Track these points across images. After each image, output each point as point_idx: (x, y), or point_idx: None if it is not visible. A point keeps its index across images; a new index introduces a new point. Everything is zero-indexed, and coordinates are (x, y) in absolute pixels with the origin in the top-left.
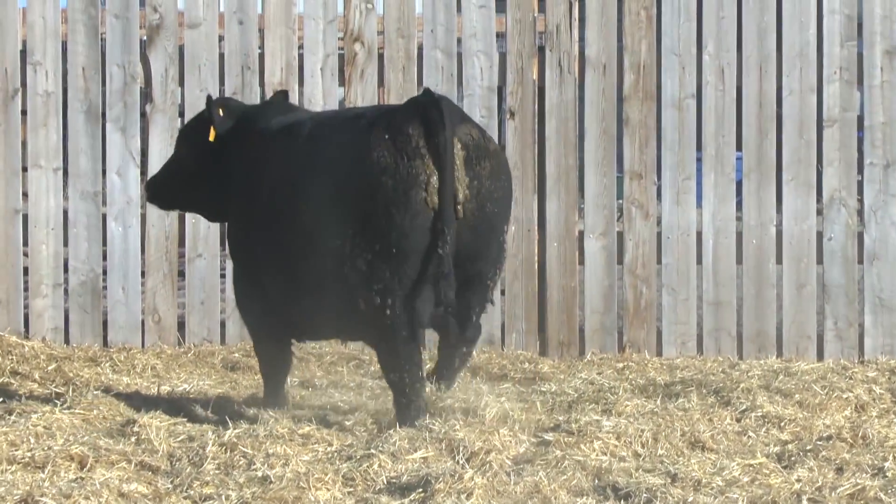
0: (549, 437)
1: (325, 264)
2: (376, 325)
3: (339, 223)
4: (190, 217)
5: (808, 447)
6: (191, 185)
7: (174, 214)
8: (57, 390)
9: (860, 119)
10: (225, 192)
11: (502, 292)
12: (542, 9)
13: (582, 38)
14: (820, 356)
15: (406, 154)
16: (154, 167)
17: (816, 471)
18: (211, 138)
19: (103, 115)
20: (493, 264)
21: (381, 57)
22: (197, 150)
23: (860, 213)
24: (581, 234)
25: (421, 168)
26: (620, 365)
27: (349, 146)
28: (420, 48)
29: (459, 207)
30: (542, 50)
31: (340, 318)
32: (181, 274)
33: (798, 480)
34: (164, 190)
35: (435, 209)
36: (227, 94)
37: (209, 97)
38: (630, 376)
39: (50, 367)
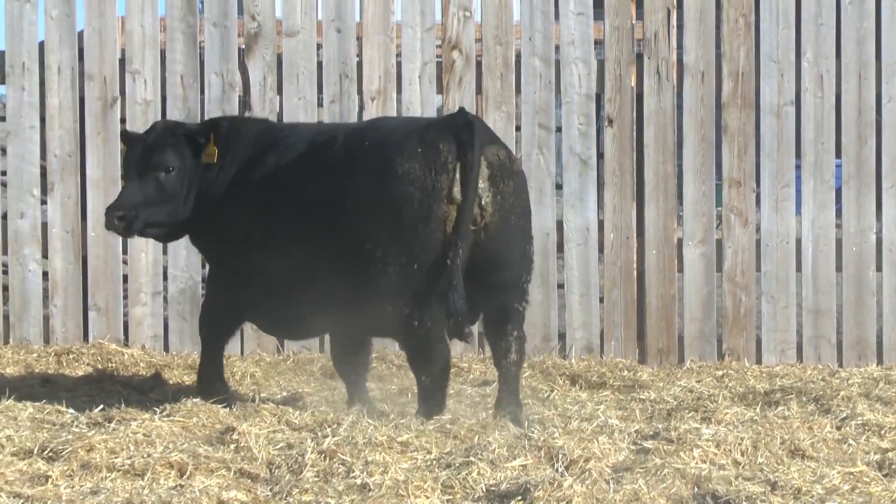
0: (648, 444)
1: (353, 268)
2: (405, 327)
3: (371, 230)
4: None
5: None
6: (174, 203)
7: None
8: (156, 398)
9: None
10: (212, 207)
11: (601, 300)
12: (640, 16)
13: (680, 46)
14: None
15: (434, 169)
16: None
17: None
18: (214, 159)
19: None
20: (523, 270)
21: (478, 64)
22: (182, 171)
23: None
24: (680, 241)
25: (446, 183)
26: (720, 373)
27: (383, 157)
28: (518, 55)
29: (480, 222)
30: (640, 57)
31: (364, 317)
32: None
33: None
34: (145, 214)
35: (453, 223)
36: (325, 103)
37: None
38: (729, 384)
39: (149, 375)
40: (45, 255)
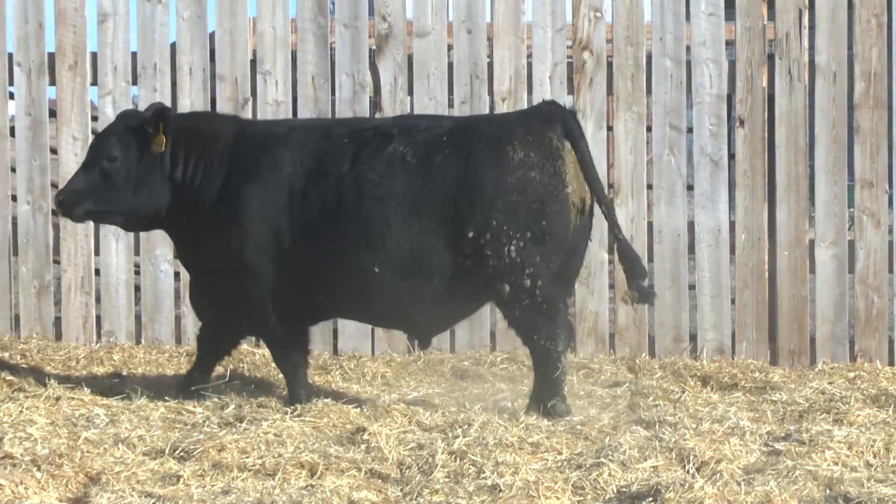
0: (779, 446)
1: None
2: (521, 306)
3: (479, 216)
4: None
5: None
6: (117, 192)
7: None
8: (287, 398)
9: None
10: (221, 210)
11: (732, 301)
12: (771, 17)
13: (812, 46)
14: None
15: (546, 154)
16: None
17: None
18: (162, 148)
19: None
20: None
21: (609, 65)
22: (126, 161)
23: None
24: (811, 242)
25: (564, 168)
26: (852, 374)
27: (492, 145)
28: (649, 56)
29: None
30: (771, 58)
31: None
32: None
33: None
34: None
35: (575, 205)
36: (456, 104)
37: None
38: (861, 386)
39: (280, 375)
40: (176, 256)
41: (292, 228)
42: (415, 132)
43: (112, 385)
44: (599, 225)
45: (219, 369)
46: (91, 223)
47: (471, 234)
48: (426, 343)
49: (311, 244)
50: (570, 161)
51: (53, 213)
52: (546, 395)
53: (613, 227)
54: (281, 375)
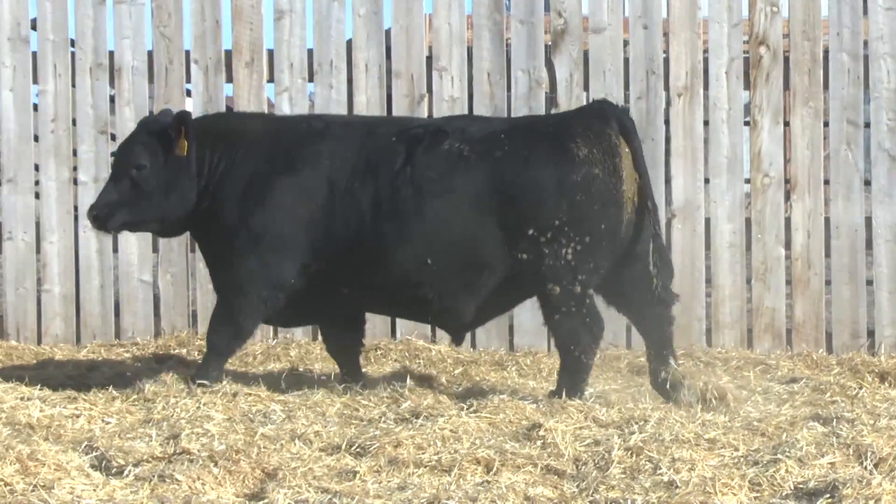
0: None
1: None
2: (566, 312)
3: (543, 214)
4: None
5: None
6: (150, 199)
7: None
8: (463, 394)
9: None
10: (245, 205)
11: None
12: None
13: None
14: None
15: (606, 151)
16: None
17: None
18: (184, 152)
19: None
20: None
21: (786, 60)
22: (154, 167)
23: None
24: None
25: (621, 166)
26: None
27: (555, 142)
28: (825, 51)
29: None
30: None
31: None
32: None
33: None
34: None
35: (629, 204)
36: (632, 99)
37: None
38: None
39: (456, 371)
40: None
41: (332, 222)
42: (470, 130)
43: (289, 381)
44: (777, 220)
45: (395, 366)
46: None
47: (531, 233)
48: (460, 339)
49: (353, 238)
50: (626, 159)
51: None
52: (566, 395)
53: (655, 226)
54: (458, 371)
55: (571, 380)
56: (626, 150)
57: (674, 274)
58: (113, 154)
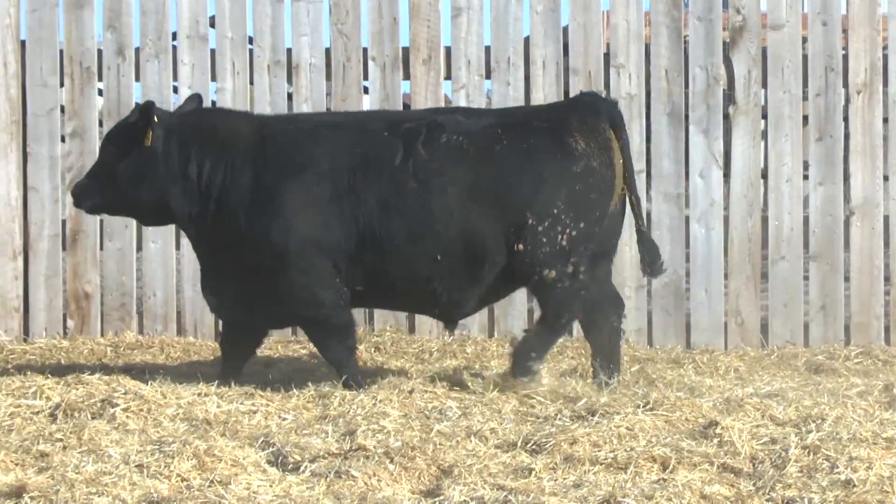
0: None
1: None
2: (560, 287)
3: (541, 204)
4: (773, 219)
5: None
6: (121, 186)
7: (757, 217)
8: (640, 391)
9: None
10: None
11: None
12: None
13: None
14: None
15: (601, 144)
16: (737, 169)
17: None
18: (148, 142)
19: (686, 117)
20: None
21: None
22: (124, 155)
23: None
24: None
25: (613, 158)
26: None
27: (552, 135)
28: None
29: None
30: None
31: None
32: (764, 276)
33: None
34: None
35: (617, 195)
36: (811, 96)
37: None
38: None
39: (633, 369)
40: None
41: (339, 220)
42: (464, 123)
43: (463, 378)
44: None
45: (571, 363)
46: None
47: (530, 222)
48: (454, 327)
49: (359, 234)
50: (616, 152)
51: None
52: (533, 355)
53: (638, 217)
54: (635, 368)
55: (542, 346)
56: (616, 143)
57: (660, 255)
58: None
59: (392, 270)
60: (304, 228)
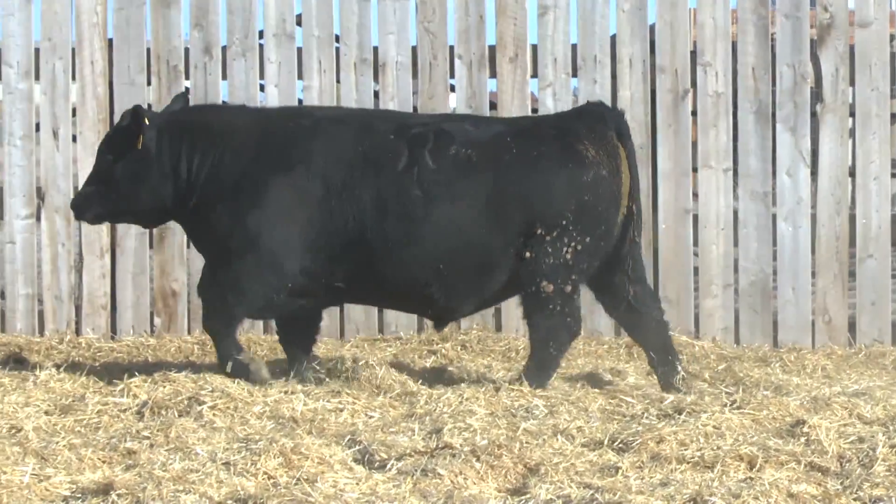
0: None
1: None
2: (551, 310)
3: (551, 214)
4: (860, 217)
5: None
6: (120, 191)
7: (845, 215)
8: (726, 390)
9: None
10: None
11: None
12: None
13: None
14: None
15: (610, 153)
16: (824, 167)
17: None
18: (139, 145)
19: (773, 115)
20: None
21: None
22: (119, 159)
23: None
24: None
25: (620, 167)
26: None
27: (563, 143)
28: None
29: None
30: None
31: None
32: (851, 274)
33: None
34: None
35: (623, 207)
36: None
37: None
38: None
39: (720, 367)
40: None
41: (328, 220)
42: (472, 131)
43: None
44: None
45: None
46: None
47: (539, 232)
48: (442, 326)
49: (349, 235)
50: (623, 162)
51: None
52: (532, 381)
53: (636, 228)
54: (722, 367)
55: (539, 374)
56: (623, 151)
57: (645, 279)
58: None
59: (387, 272)
60: (279, 224)
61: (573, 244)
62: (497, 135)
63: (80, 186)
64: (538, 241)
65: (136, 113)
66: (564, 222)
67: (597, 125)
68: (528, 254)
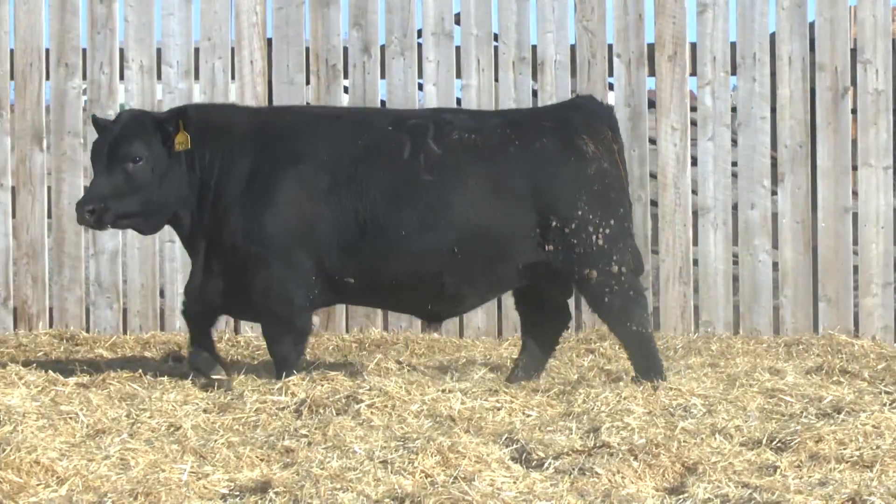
0: None
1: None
2: (610, 292)
3: (563, 206)
4: None
5: None
6: (145, 193)
7: None
8: (886, 389)
9: None
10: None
11: None
12: None
13: None
14: None
15: (609, 148)
16: None
17: None
18: (188, 146)
19: None
20: None
21: None
22: (150, 160)
23: None
24: None
25: (618, 160)
26: None
27: (562, 138)
28: None
29: None
30: None
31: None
32: None
33: None
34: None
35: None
36: None
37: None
38: None
39: (879, 366)
40: (774, 246)
41: (337, 214)
42: (469, 125)
43: (707, 374)
44: None
45: (817, 360)
46: None
47: (555, 224)
48: (438, 325)
49: (360, 226)
50: (616, 154)
51: (653, 203)
52: (652, 375)
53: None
54: (881, 366)
55: (645, 358)
56: (615, 147)
57: (643, 269)
58: (98, 146)
59: (394, 266)
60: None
61: (600, 230)
62: (498, 126)
63: None
64: (557, 233)
65: (186, 115)
66: (581, 213)
67: (591, 119)
68: (550, 247)
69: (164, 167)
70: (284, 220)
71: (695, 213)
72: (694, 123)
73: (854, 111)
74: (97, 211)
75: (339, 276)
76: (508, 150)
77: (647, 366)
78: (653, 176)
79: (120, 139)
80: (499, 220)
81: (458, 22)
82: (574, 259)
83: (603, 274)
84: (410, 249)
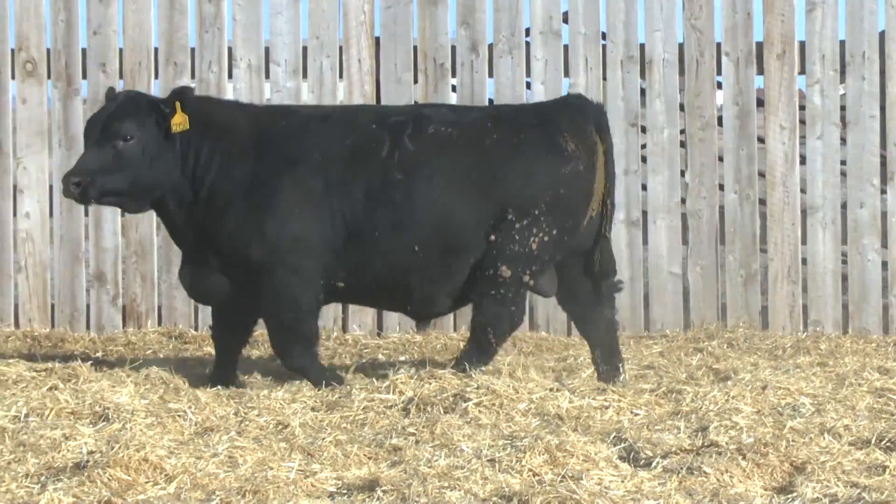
0: None
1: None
2: (499, 296)
3: (524, 201)
4: None
5: None
6: (133, 172)
7: None
8: None
9: None
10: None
11: None
12: None
13: None
14: None
15: (588, 147)
16: None
17: None
18: (187, 126)
19: None
20: None
21: None
22: (142, 140)
23: None
24: None
25: (596, 161)
26: None
27: (544, 134)
28: None
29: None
30: None
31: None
32: None
33: None
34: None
35: (595, 202)
36: None
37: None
38: None
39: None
40: (883, 245)
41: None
42: (452, 119)
43: (816, 373)
44: None
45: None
46: None
47: (510, 217)
48: (426, 324)
49: (347, 228)
50: (600, 156)
51: (761, 202)
52: (473, 363)
53: (606, 224)
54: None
55: (478, 357)
56: (602, 147)
57: (615, 272)
58: (91, 122)
59: (373, 263)
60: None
61: (541, 234)
62: (478, 121)
63: None
64: (507, 225)
65: (185, 95)
66: (536, 212)
67: (576, 118)
68: (493, 237)
69: (156, 149)
70: (289, 225)
71: (803, 212)
72: (802, 122)
73: None
74: (83, 184)
75: (332, 279)
76: (484, 143)
77: (471, 363)
78: (761, 175)
79: (113, 117)
80: (460, 215)
81: (566, 21)
82: (504, 252)
83: (512, 277)
84: (383, 249)
